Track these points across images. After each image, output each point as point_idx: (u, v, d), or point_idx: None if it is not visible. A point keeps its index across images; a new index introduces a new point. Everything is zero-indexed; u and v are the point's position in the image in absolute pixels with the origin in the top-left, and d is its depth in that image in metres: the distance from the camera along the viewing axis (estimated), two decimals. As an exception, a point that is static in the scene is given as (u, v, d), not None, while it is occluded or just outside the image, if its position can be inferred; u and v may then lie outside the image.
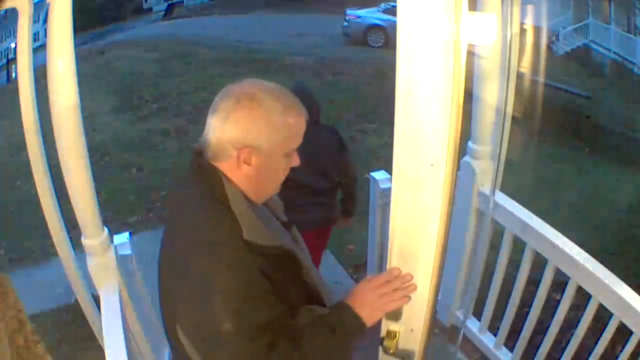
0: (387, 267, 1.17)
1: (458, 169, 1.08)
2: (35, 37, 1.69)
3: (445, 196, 1.04)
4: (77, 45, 1.55)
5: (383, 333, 1.23)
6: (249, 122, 1.08)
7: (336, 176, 2.46)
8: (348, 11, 11.92)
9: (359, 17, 11.80)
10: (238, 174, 1.11)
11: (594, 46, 12.65)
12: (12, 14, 1.56)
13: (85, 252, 1.84)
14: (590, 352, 1.81)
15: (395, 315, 1.19)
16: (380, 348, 1.23)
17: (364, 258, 3.52)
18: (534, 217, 2.00)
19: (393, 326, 1.21)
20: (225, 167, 1.11)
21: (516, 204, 2.07)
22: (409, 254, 1.13)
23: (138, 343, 2.06)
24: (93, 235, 1.81)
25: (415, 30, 0.93)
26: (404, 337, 1.21)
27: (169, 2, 18.19)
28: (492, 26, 1.77)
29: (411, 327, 1.20)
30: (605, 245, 3.80)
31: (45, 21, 1.51)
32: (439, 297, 1.36)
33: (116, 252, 1.91)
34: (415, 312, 1.18)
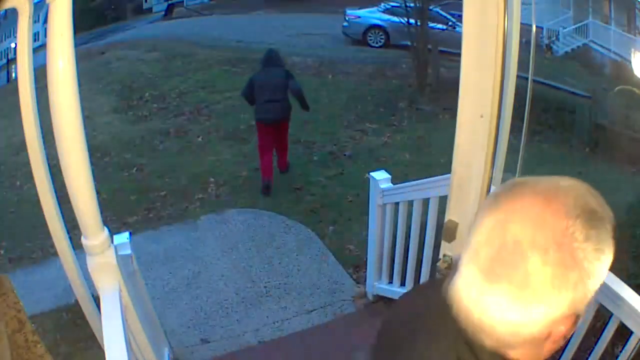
0: (448, 198, 1.62)
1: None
2: (35, 37, 1.69)
3: (490, 141, 1.51)
4: (77, 45, 1.55)
5: (440, 255, 1.62)
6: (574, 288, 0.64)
7: (287, 88, 4.67)
8: (348, 11, 11.90)
9: (359, 17, 11.79)
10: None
11: (594, 46, 12.64)
12: (12, 14, 1.56)
13: (85, 252, 1.84)
14: (590, 352, 1.81)
15: (450, 237, 1.55)
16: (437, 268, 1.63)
17: (364, 258, 3.52)
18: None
19: (447, 250, 1.57)
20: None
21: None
22: (463, 185, 1.55)
23: (138, 343, 2.06)
24: (93, 235, 1.81)
25: (477, 22, 1.45)
26: (455, 262, 1.53)
27: (169, 2, 18.17)
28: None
29: (461, 252, 1.55)
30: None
31: (45, 21, 1.51)
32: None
33: (116, 252, 1.91)
34: (465, 238, 1.46)
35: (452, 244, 1.60)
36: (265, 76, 4.70)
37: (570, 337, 1.90)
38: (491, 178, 1.55)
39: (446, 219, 1.61)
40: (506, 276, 0.63)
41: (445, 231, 1.60)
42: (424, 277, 2.74)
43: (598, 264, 0.64)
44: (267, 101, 4.64)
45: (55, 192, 1.82)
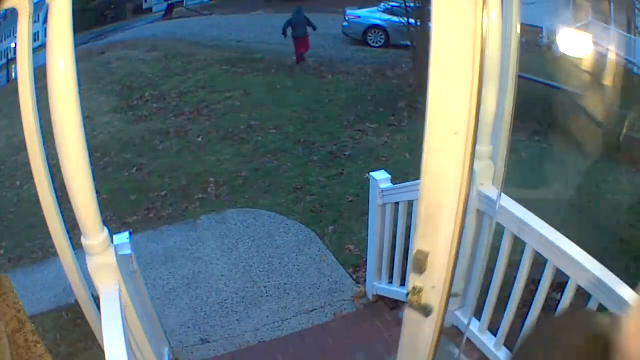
0: (415, 226, 1.38)
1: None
2: (35, 37, 1.69)
3: (466, 161, 1.25)
4: (77, 45, 1.55)
5: (409, 288, 1.41)
6: None
7: (307, 24, 10.16)
8: (348, 11, 11.90)
9: (359, 17, 11.79)
10: None
11: (594, 46, 12.63)
12: (12, 14, 1.56)
13: (85, 252, 1.84)
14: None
15: (420, 269, 1.36)
16: (406, 303, 1.43)
17: (364, 258, 3.53)
18: (534, 217, 2.00)
19: (417, 282, 1.39)
20: None
21: (516, 204, 2.07)
22: (433, 213, 1.33)
23: (138, 343, 2.06)
24: (93, 235, 1.81)
25: (446, 23, 1.16)
26: (426, 293, 1.39)
27: (169, 2, 18.17)
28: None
29: (433, 284, 1.38)
30: (605, 245, 3.80)
31: (45, 21, 1.51)
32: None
33: (116, 252, 1.91)
34: (437, 269, 1.35)
35: (423, 276, 1.39)
36: (297, 18, 10.02)
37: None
38: (467, 203, 1.33)
39: (414, 249, 1.37)
40: None
41: (414, 262, 1.38)
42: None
43: None
44: (299, 28, 9.98)
45: (55, 192, 1.82)
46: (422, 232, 1.36)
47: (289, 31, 10.20)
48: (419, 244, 1.37)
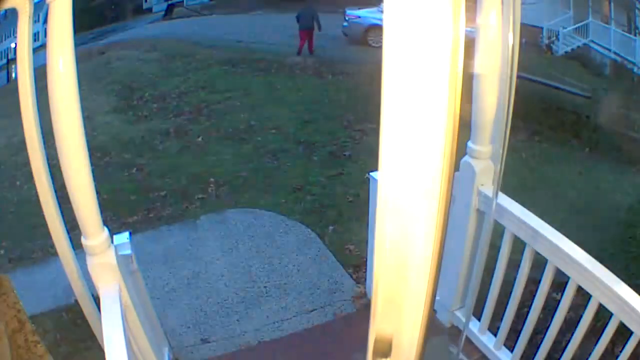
0: (373, 285, 0.96)
1: (457, 169, 1.06)
2: (35, 37, 1.69)
3: (442, 202, 0.86)
4: (77, 45, 1.55)
5: None
6: None
7: (314, 18, 10.95)
8: (348, 11, 11.92)
9: (359, 17, 11.80)
10: None
11: (594, 46, 12.65)
12: (12, 14, 1.56)
13: (85, 252, 1.84)
14: (590, 352, 1.81)
15: (383, 355, 1.03)
16: None
17: (364, 258, 3.53)
18: (534, 217, 2.00)
19: None
20: None
21: (516, 204, 2.07)
22: (395, 292, 0.99)
23: (138, 343, 2.06)
24: (93, 235, 1.81)
25: (406, 27, 0.78)
26: None
27: (169, 2, 18.17)
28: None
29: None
30: (605, 245, 3.80)
31: (45, 21, 1.51)
32: (438, 297, 1.31)
33: (116, 252, 1.91)
34: (404, 348, 1.04)
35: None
36: (304, 12, 10.82)
37: (571, 336, 1.91)
38: (440, 257, 0.92)
39: (372, 332, 1.05)
40: None
41: (374, 347, 1.03)
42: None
43: None
44: (304, 21, 10.73)
45: (55, 192, 1.82)
46: (380, 312, 1.03)
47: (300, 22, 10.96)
48: (378, 325, 1.04)
